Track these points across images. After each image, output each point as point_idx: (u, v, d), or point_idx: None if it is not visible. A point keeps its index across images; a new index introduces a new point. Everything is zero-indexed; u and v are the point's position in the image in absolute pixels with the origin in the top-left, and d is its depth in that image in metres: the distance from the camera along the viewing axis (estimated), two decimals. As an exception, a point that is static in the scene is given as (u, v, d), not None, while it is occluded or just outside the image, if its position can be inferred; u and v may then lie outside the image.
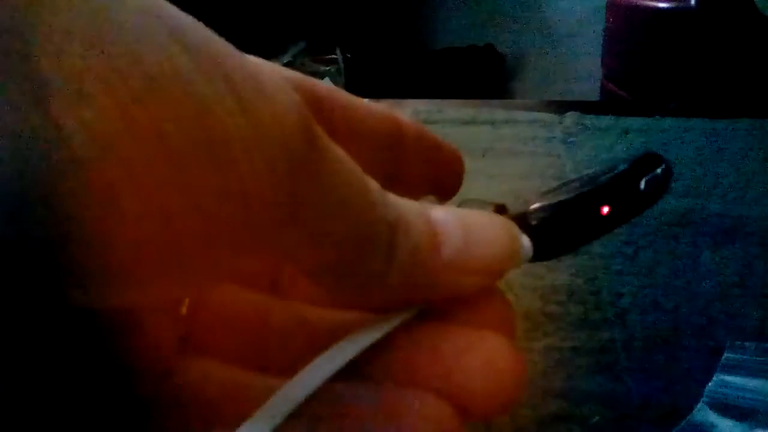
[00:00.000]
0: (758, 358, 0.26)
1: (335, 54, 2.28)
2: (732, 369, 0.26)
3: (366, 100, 0.19)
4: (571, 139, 0.50)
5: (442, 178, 0.21)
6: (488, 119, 0.54)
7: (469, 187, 0.44)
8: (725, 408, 0.24)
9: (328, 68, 2.24)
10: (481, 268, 0.15)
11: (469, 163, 0.47)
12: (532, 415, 0.25)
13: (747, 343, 0.27)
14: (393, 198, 0.14)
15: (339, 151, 0.13)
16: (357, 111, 0.20)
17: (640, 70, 1.43)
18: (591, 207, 0.19)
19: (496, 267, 0.15)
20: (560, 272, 0.35)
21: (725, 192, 0.41)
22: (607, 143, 0.49)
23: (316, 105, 0.17)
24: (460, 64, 2.25)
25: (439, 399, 0.14)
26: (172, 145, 0.10)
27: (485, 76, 2.26)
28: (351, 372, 0.14)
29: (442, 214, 0.15)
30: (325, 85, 0.18)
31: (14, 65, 0.09)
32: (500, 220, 0.16)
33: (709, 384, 0.26)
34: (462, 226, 0.15)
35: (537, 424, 0.25)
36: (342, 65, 2.26)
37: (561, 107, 0.56)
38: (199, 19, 0.13)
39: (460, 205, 0.21)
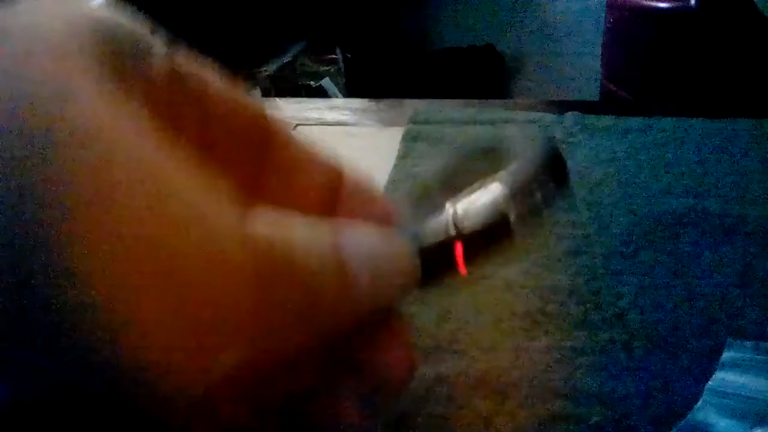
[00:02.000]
0: (757, 357, 0.26)
1: (335, 54, 2.28)
2: (731, 367, 0.26)
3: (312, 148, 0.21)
4: (571, 139, 0.50)
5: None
6: (488, 119, 0.54)
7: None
8: (725, 406, 0.24)
9: (328, 68, 2.24)
10: (388, 298, 0.17)
11: (469, 163, 0.47)
12: (532, 415, 0.25)
13: (746, 342, 0.27)
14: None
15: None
16: (302, 155, 0.21)
17: (640, 70, 1.43)
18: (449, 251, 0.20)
19: (396, 299, 0.18)
20: (560, 272, 0.35)
21: (725, 192, 0.41)
22: (607, 143, 0.49)
23: (268, 141, 0.19)
24: (460, 64, 2.25)
25: None
26: None
27: (485, 76, 2.26)
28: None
29: (356, 260, 0.16)
30: (281, 127, 0.19)
31: None
32: (406, 251, 0.18)
33: (709, 383, 0.26)
34: (371, 269, 0.16)
35: (537, 424, 0.25)
36: (342, 65, 2.26)
37: (561, 107, 0.56)
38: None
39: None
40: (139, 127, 0.13)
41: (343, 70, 2.25)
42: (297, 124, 0.56)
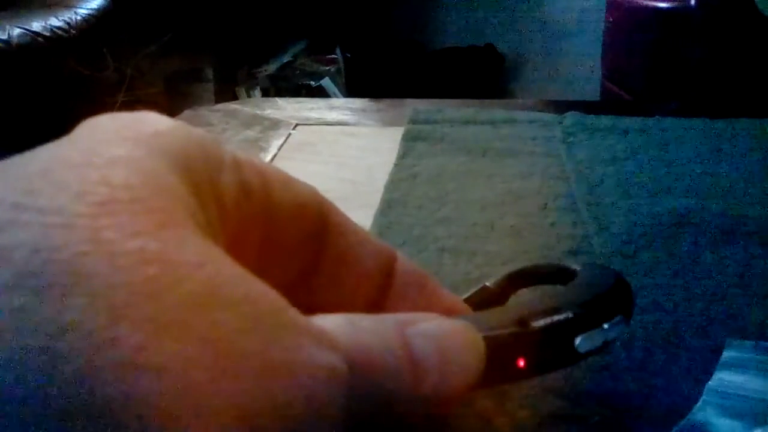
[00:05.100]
0: (757, 357, 0.26)
1: (335, 54, 2.28)
2: (731, 367, 0.26)
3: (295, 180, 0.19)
4: (571, 139, 0.50)
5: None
6: (488, 119, 0.54)
7: (469, 187, 0.44)
8: (725, 406, 0.24)
9: (328, 68, 2.24)
10: (453, 393, 0.16)
11: (469, 163, 0.47)
12: (532, 415, 0.25)
13: (746, 342, 0.27)
14: (362, 336, 0.14)
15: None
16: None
17: (640, 70, 1.43)
18: (510, 353, 0.19)
19: (467, 387, 0.16)
20: (560, 272, 0.35)
21: (725, 192, 0.41)
22: (607, 143, 0.49)
23: (254, 187, 0.17)
24: (460, 64, 2.25)
25: None
26: None
27: (485, 76, 2.26)
28: None
29: (422, 344, 0.15)
30: (272, 172, 0.18)
31: None
32: (473, 341, 0.17)
33: (709, 382, 0.26)
34: (440, 356, 0.15)
35: (537, 424, 0.25)
36: (342, 65, 2.26)
37: (561, 107, 0.56)
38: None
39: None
40: (217, 256, 0.13)
41: (343, 70, 2.25)
42: (297, 124, 0.56)
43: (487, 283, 0.26)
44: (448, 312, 0.19)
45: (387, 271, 0.21)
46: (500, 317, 0.19)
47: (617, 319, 0.21)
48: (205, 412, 0.11)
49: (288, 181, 0.18)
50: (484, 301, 0.26)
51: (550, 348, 0.20)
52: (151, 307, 0.11)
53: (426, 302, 0.21)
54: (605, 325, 0.21)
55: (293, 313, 0.13)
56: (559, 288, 0.23)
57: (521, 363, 0.19)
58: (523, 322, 0.19)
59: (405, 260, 0.21)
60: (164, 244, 0.12)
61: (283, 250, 0.18)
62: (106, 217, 0.11)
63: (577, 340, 0.20)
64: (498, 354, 0.18)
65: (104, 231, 0.11)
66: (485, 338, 0.17)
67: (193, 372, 0.11)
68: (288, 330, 0.13)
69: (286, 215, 0.18)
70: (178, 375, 0.11)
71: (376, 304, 0.20)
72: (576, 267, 0.25)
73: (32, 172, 0.12)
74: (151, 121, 0.15)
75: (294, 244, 0.18)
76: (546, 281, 0.27)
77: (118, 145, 0.13)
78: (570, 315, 0.20)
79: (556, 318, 0.20)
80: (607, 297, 0.22)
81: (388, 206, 0.41)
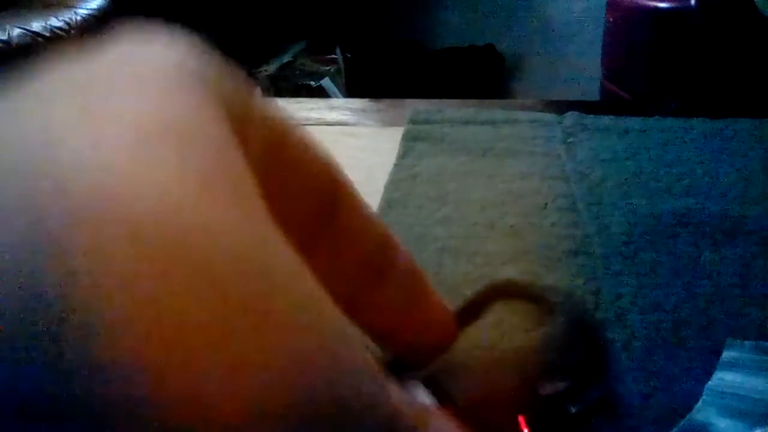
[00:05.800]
0: (757, 357, 0.26)
1: (335, 54, 2.28)
2: (731, 367, 0.26)
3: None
4: (571, 139, 0.50)
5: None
6: (488, 119, 0.54)
7: (469, 187, 0.44)
8: (725, 406, 0.24)
9: (328, 68, 2.24)
10: None
11: (469, 163, 0.47)
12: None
13: (746, 342, 0.27)
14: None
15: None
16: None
17: (640, 70, 1.43)
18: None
19: None
20: (560, 272, 0.35)
21: (725, 192, 0.41)
22: (607, 143, 0.49)
23: (270, 143, 0.16)
24: (460, 64, 2.25)
25: None
26: None
27: (485, 76, 2.26)
28: None
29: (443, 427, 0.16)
30: (287, 128, 0.17)
31: None
32: None
33: (709, 382, 0.26)
34: None
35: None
36: (342, 65, 2.26)
37: (561, 107, 0.56)
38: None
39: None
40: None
41: (343, 70, 2.25)
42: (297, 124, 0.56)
43: (469, 292, 0.27)
44: (431, 320, 0.21)
45: (384, 261, 0.20)
46: (505, 373, 0.21)
47: (601, 382, 0.23)
48: (272, 408, 0.11)
49: (304, 150, 0.18)
50: (464, 312, 0.26)
51: (550, 414, 0.21)
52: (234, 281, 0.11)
53: (413, 305, 0.21)
54: (595, 393, 0.23)
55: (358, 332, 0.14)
56: (539, 327, 0.24)
57: (523, 426, 0.20)
58: (530, 384, 0.21)
59: (405, 254, 0.21)
60: (241, 221, 0.12)
61: (284, 223, 0.18)
62: (184, 185, 0.11)
63: (572, 409, 0.22)
64: (505, 415, 0.19)
65: (185, 201, 0.11)
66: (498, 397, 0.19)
67: (275, 361, 0.11)
68: (351, 345, 0.13)
69: (295, 189, 0.18)
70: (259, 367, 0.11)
71: (360, 291, 0.20)
72: (555, 299, 0.26)
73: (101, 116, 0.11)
74: (190, 54, 0.14)
75: (299, 220, 0.18)
76: (522, 298, 0.27)
77: (173, 93, 0.12)
78: (568, 384, 0.22)
79: (560, 386, 0.21)
80: (592, 360, 0.24)
81: (388, 206, 0.42)
